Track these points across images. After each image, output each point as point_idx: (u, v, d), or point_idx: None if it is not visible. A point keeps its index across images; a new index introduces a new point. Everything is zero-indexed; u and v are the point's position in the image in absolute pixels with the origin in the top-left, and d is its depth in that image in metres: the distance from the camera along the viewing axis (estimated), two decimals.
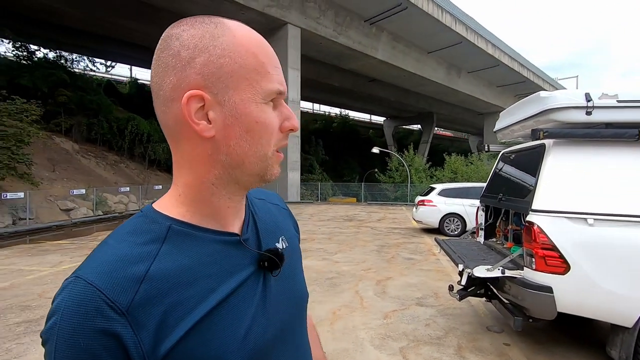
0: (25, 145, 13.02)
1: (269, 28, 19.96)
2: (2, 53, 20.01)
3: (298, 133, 20.32)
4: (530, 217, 2.71)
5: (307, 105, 51.96)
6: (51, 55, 21.60)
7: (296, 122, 0.53)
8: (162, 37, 0.48)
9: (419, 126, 47.02)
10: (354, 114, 50.58)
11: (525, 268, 2.77)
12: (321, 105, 49.83)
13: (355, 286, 4.92)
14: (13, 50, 19.39)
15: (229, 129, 0.47)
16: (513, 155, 3.69)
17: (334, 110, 48.70)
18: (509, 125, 3.54)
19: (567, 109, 2.77)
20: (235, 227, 0.54)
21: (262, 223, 0.60)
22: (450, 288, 3.50)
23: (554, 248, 2.57)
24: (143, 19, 19.02)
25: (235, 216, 0.54)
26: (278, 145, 0.52)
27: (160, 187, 17.01)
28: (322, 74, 29.82)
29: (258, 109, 0.48)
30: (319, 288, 4.82)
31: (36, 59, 19.97)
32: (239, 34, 0.48)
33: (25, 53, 19.61)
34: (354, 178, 36.34)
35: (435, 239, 4.46)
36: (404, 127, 52.65)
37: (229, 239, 0.51)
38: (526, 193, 2.96)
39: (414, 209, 10.20)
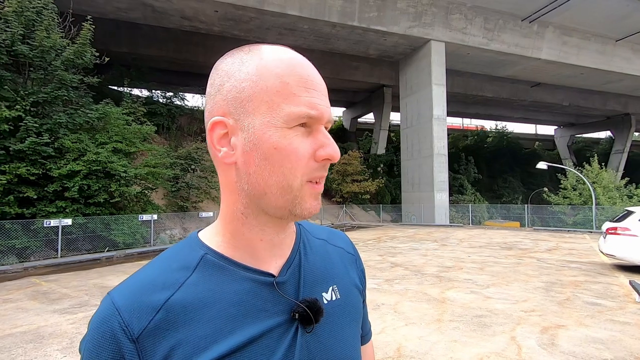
0: (216, 175, 16.60)
1: (411, 48, 19.90)
2: (204, 105, 26.12)
3: (444, 151, 19.16)
4: None
5: (455, 121, 48.75)
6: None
7: (333, 150, 0.45)
8: None
9: (609, 133, 37.45)
10: (513, 126, 44.41)
11: None
12: (472, 120, 45.82)
13: (511, 330, 4.10)
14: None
15: (248, 155, 0.44)
16: None
17: (489, 124, 43.89)
18: None
19: None
20: (273, 266, 0.49)
21: (309, 266, 0.53)
22: None
23: None
24: None
25: (272, 253, 0.49)
26: (310, 176, 0.45)
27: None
28: (470, 86, 27.61)
29: (278, 134, 0.43)
30: (463, 326, 4.23)
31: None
32: (266, 57, 0.45)
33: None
34: (516, 199, 31.50)
35: (631, 283, 3.31)
36: (585, 135, 42.88)
37: (262, 279, 0.47)
38: None
39: (602, 238, 7.98)
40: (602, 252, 8.04)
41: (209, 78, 0.48)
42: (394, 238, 13.77)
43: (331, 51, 21.25)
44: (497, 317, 4.55)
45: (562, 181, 21.36)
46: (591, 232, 15.23)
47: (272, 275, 0.48)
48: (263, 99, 0.43)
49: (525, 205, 20.69)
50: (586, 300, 5.29)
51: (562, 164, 31.22)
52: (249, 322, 0.44)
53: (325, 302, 0.51)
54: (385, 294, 5.60)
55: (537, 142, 46.44)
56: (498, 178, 34.10)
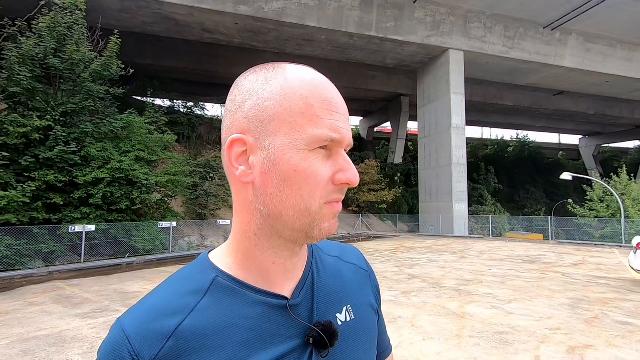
0: None
1: (429, 57, 19.80)
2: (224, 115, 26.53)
3: (464, 160, 18.83)
4: None
5: (475, 131, 47.97)
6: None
7: (353, 175, 0.44)
8: None
9: (638, 142, 35.96)
10: (535, 135, 43.27)
11: None
12: (492, 129, 44.95)
13: (535, 349, 3.93)
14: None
15: (266, 175, 0.43)
16: None
17: (509, 133, 42.90)
18: None
19: None
20: (286, 288, 0.48)
21: (323, 287, 0.51)
22: None
23: None
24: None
25: (285, 275, 0.48)
26: (329, 198, 0.44)
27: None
28: (490, 94, 27.18)
29: (299, 156, 0.42)
30: (484, 343, 4.09)
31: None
32: (291, 77, 0.44)
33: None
34: (538, 210, 30.54)
35: None
36: (612, 145, 41.34)
37: (274, 302, 0.46)
38: None
39: (632, 253, 7.61)
40: (632, 267, 7.67)
41: (230, 94, 0.47)
42: (411, 249, 13.54)
43: (348, 61, 21.38)
44: (520, 335, 4.38)
45: (588, 192, 20.55)
46: (620, 246, 14.55)
47: (285, 298, 0.47)
48: (286, 120, 0.42)
49: (549, 217, 20.01)
50: (616, 319, 5.04)
51: (588, 175, 30.13)
52: (262, 347, 0.43)
53: (340, 323, 0.50)
54: (402, 306, 5.49)
55: (560, 152, 45.05)
56: (519, 188, 33.17)
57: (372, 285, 0.61)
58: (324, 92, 0.44)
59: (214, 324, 0.43)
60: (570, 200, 21.10)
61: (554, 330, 4.55)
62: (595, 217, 18.99)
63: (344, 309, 0.51)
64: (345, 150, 0.46)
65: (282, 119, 0.43)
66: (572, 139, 44.53)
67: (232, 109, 0.46)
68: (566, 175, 17.85)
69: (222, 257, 0.49)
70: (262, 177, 0.43)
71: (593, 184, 20.65)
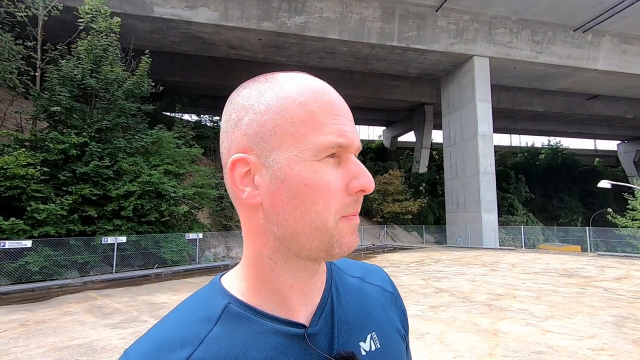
0: None
1: (453, 65, 19.51)
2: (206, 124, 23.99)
3: (492, 169, 18.24)
4: None
5: (503, 139, 46.53)
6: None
7: (367, 181, 0.41)
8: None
9: None
10: (568, 142, 41.34)
11: None
12: (521, 136, 43.42)
13: None
14: (210, 122, 23.67)
15: (275, 194, 0.40)
16: None
17: (540, 140, 41.23)
18: None
19: None
20: (303, 314, 0.44)
21: (344, 312, 0.47)
22: None
23: None
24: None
25: (303, 299, 0.45)
26: (345, 212, 0.41)
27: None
28: (518, 100, 26.38)
29: (308, 168, 0.39)
30: None
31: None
32: (287, 86, 0.41)
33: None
34: (575, 220, 28.99)
35: None
36: None
37: (291, 331, 0.42)
38: None
39: None
40: None
41: (224, 113, 0.44)
42: (438, 261, 13.13)
43: (370, 71, 21.41)
44: (559, 355, 4.10)
45: (629, 201, 19.31)
46: None
47: (303, 326, 0.43)
48: (288, 131, 0.39)
49: (587, 227, 18.90)
50: None
51: (628, 182, 28.33)
52: None
53: (364, 353, 0.45)
54: (430, 322, 5.29)
55: (597, 159, 42.79)
56: (553, 197, 31.68)
57: (398, 309, 0.55)
58: (324, 96, 0.41)
59: (225, 357, 0.39)
60: (610, 210, 19.87)
61: (597, 351, 4.23)
62: (639, 227, 17.76)
63: (368, 336, 0.47)
64: (354, 155, 0.43)
65: (284, 131, 0.39)
66: (610, 145, 42.41)
67: (229, 129, 0.43)
68: (604, 183, 16.83)
69: (235, 282, 0.45)
70: (270, 196, 0.40)
71: (635, 193, 19.39)
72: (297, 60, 19.32)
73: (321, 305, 0.46)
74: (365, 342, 0.46)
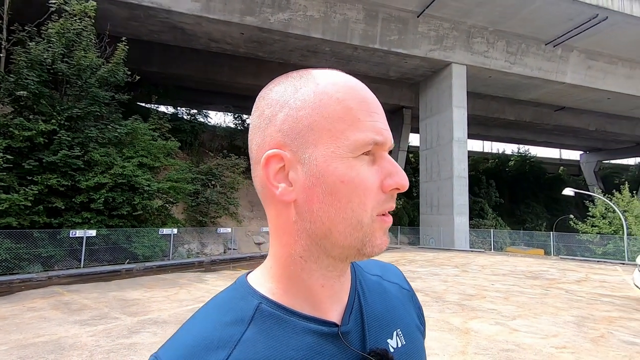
0: (235, 191, 16.82)
1: (432, 70, 19.98)
2: (226, 122, 27.30)
3: (465, 174, 18.84)
4: None
5: (476, 144, 48.13)
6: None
7: (402, 178, 0.41)
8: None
9: (639, 159, 36.03)
10: (536, 150, 43.32)
11: None
12: (493, 143, 45.08)
13: None
14: (233, 120, 26.17)
15: (310, 191, 0.40)
16: None
17: (510, 147, 42.99)
18: None
19: None
20: (334, 312, 0.44)
21: (371, 310, 0.47)
22: None
23: None
24: None
25: (333, 298, 0.45)
26: (380, 209, 0.41)
27: None
28: (492, 108, 27.34)
29: (344, 165, 0.39)
30: None
31: (247, 124, 26.25)
32: (323, 82, 0.41)
33: (239, 121, 26.09)
34: (539, 225, 30.43)
35: None
36: (612, 161, 41.43)
37: (325, 330, 0.42)
38: None
39: (637, 271, 7.55)
40: (637, 286, 7.60)
41: (255, 109, 0.44)
42: (412, 262, 13.44)
43: (351, 73, 21.29)
44: (525, 353, 4.31)
45: (590, 209, 20.52)
46: (623, 263, 14.45)
47: (336, 325, 0.43)
48: (325, 127, 0.39)
49: (550, 232, 19.92)
50: (623, 339, 4.96)
51: (589, 190, 30.10)
52: None
53: (392, 349, 0.45)
54: None
55: (561, 167, 45.10)
56: (520, 203, 33.11)
57: (415, 305, 0.57)
58: (360, 92, 0.42)
59: (262, 359, 0.39)
60: (572, 216, 21.04)
61: (560, 349, 4.48)
62: (598, 233, 18.91)
63: (394, 333, 0.48)
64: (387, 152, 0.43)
65: (321, 127, 0.39)
66: (573, 155, 44.69)
67: (262, 125, 0.42)
68: (568, 191, 17.83)
69: (264, 282, 0.45)
70: (305, 192, 0.40)
71: (595, 200, 20.62)
72: (279, 57, 19.16)
73: (350, 303, 0.46)
74: (392, 339, 0.47)
